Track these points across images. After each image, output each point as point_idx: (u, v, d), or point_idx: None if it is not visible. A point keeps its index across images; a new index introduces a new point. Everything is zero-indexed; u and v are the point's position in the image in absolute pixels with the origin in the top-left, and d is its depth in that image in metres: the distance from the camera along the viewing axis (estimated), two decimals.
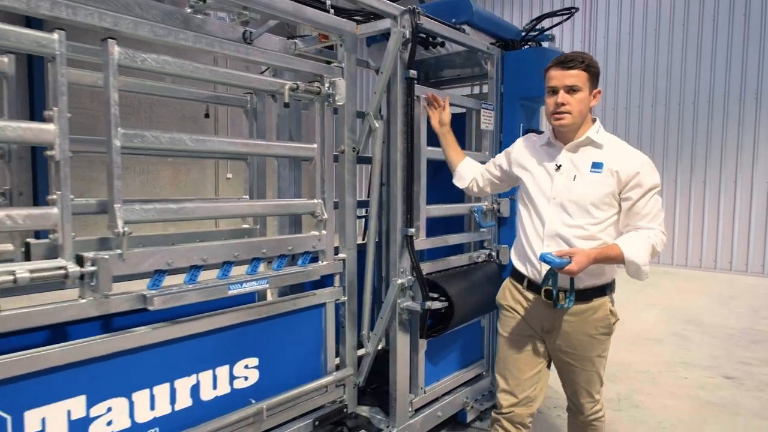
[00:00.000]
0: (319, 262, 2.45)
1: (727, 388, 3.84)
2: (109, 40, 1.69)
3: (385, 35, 2.98)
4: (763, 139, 8.47)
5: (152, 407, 1.88)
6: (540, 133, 3.40)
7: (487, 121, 3.22)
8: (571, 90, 2.00)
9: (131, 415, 1.82)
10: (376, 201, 2.73)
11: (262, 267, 2.22)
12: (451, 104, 3.08)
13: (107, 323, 1.81)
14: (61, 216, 1.61)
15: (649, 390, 3.80)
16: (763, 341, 4.99)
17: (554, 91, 2.04)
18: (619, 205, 2.04)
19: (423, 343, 2.78)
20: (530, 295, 2.18)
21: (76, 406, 1.68)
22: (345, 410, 2.60)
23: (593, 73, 2.03)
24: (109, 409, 1.77)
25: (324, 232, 2.42)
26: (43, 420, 1.61)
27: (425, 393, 2.85)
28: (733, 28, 8.59)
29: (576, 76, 2.00)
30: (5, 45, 1.53)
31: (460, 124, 3.28)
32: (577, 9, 3.59)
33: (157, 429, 1.89)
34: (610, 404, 3.54)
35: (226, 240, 2.25)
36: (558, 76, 2.02)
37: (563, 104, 2.01)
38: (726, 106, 8.74)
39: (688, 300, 6.79)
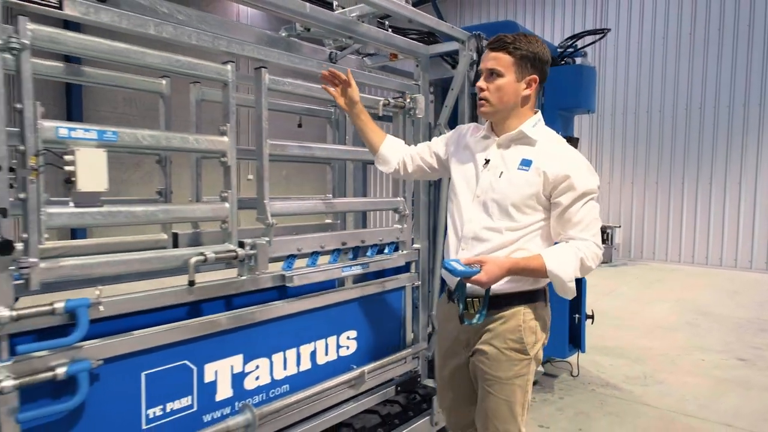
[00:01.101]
0: (400, 251, 2.86)
1: (740, 368, 4.28)
2: (262, 69, 2.11)
3: (441, 54, 3.39)
4: (767, 143, 8.92)
5: (284, 367, 2.30)
6: (575, 139, 3.85)
7: None
8: (492, 74, 1.76)
9: (271, 373, 2.24)
10: (445, 199, 3.14)
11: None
12: None
13: (229, 300, 2.21)
14: (231, 209, 2.02)
15: (670, 370, 4.23)
16: None
17: (482, 75, 1.82)
18: (548, 210, 1.79)
19: None
20: (451, 308, 1.94)
21: (236, 362, 2.10)
22: (419, 380, 3.02)
23: (522, 57, 1.73)
24: (257, 367, 2.18)
25: (405, 225, 2.85)
26: (216, 372, 2.03)
27: None
28: (738, 38, 9.05)
29: (496, 60, 1.74)
30: (194, 74, 1.95)
31: None
32: (609, 29, 4.03)
33: (287, 386, 2.31)
34: (637, 381, 3.97)
35: (335, 232, 2.67)
36: (483, 58, 1.81)
37: (481, 89, 1.79)
38: (731, 111, 9.19)
39: (696, 294, 7.23)
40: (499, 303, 1.79)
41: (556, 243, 1.80)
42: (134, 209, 1.76)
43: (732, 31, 9.10)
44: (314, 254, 2.39)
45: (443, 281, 2.02)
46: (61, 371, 1.54)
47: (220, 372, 2.04)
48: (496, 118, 1.84)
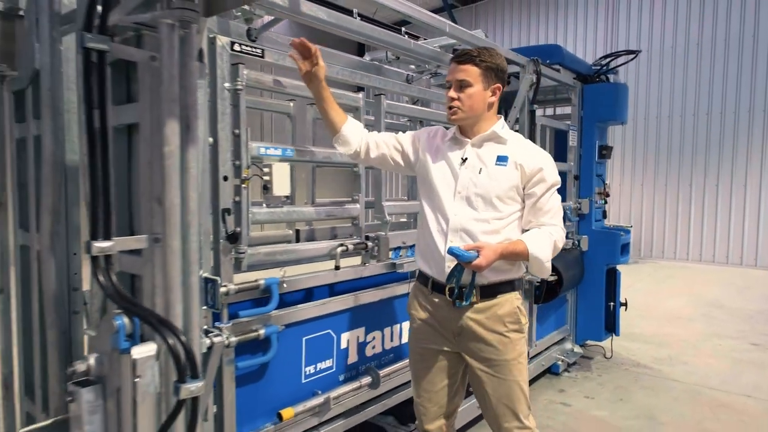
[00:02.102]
0: None
1: (754, 352, 4.78)
2: (382, 95, 2.60)
3: None
4: None
5: (391, 339, 2.78)
6: (609, 147, 4.34)
7: (573, 139, 4.15)
8: (462, 85, 1.94)
9: (382, 343, 2.73)
10: None
11: None
12: (549, 127, 3.99)
13: (355, 283, 2.66)
14: (361, 210, 2.51)
15: (692, 353, 4.72)
16: None
17: (449, 85, 2.00)
18: (523, 201, 2.00)
19: (535, 308, 3.69)
20: (436, 298, 2.03)
21: (360, 333, 2.59)
22: None
23: (487, 68, 1.93)
24: (374, 338, 2.67)
25: None
26: (348, 340, 2.52)
27: (536, 345, 3.76)
28: (743, 47, 9.57)
29: (465, 71, 1.93)
30: (343, 104, 2.43)
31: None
32: (640, 51, 4.53)
33: (392, 354, 2.80)
34: (664, 362, 4.46)
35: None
36: (451, 70, 1.98)
37: (452, 99, 1.96)
38: (737, 117, 9.71)
39: (708, 289, 7.73)
40: (492, 292, 1.96)
41: (525, 230, 2.01)
42: (302, 209, 2.26)
43: (737, 41, 9.61)
44: (413, 246, 2.88)
45: (421, 275, 2.11)
46: (261, 332, 2.02)
47: (350, 340, 2.53)
48: (467, 123, 2.02)
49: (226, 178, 1.91)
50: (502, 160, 1.97)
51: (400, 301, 2.80)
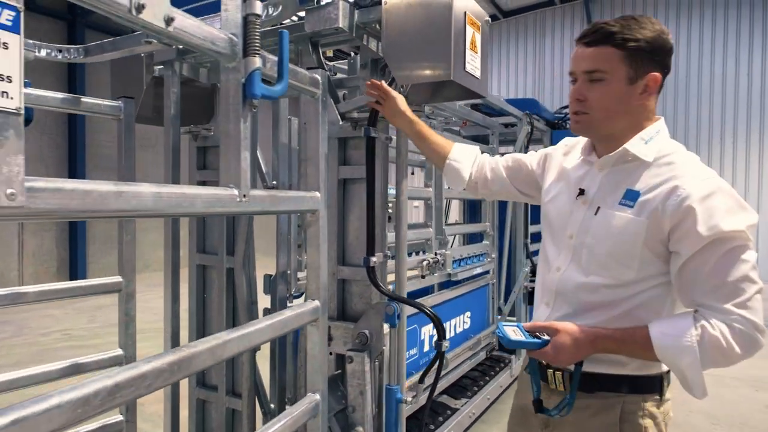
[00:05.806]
0: (487, 260, 4.24)
1: None
2: None
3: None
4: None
5: (449, 333, 3.57)
6: None
7: None
8: (592, 78, 1.29)
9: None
10: (508, 227, 4.56)
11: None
12: None
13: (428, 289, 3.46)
14: (434, 234, 3.30)
15: None
16: None
17: (574, 81, 1.35)
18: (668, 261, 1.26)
19: (531, 309, 4.63)
20: (526, 370, 1.48)
21: (430, 328, 3.35)
22: (495, 349, 4.38)
23: (635, 50, 1.24)
24: None
25: (489, 242, 4.23)
26: (424, 333, 3.27)
27: None
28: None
29: (594, 58, 1.28)
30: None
31: None
32: None
33: (448, 342, 3.56)
34: None
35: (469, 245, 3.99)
36: (575, 59, 1.33)
37: (578, 99, 1.32)
38: None
39: None
40: (588, 385, 1.31)
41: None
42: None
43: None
44: (459, 260, 3.71)
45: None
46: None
47: (425, 333, 3.29)
48: (599, 135, 1.37)
49: None
50: (629, 197, 1.28)
51: (452, 303, 3.61)
